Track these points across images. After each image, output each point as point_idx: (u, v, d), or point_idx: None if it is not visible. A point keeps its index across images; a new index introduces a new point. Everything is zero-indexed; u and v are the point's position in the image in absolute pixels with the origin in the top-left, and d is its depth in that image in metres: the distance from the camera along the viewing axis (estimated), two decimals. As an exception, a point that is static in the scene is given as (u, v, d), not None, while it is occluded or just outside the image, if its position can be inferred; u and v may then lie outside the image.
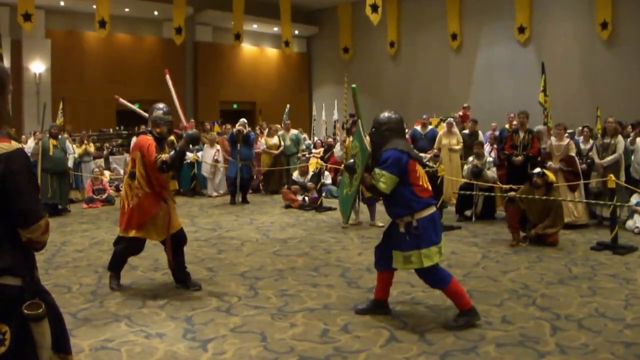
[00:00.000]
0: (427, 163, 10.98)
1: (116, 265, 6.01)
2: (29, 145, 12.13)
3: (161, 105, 5.91)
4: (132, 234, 5.71)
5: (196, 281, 6.00)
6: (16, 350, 2.44)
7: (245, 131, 12.45)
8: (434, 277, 4.72)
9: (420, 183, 4.73)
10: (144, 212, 5.62)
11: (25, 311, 2.46)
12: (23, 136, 15.84)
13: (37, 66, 19.53)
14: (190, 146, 6.10)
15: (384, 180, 4.63)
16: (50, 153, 11.10)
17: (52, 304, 2.65)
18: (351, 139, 9.64)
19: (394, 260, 4.81)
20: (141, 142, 5.66)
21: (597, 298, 5.52)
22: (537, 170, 8.16)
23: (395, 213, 4.77)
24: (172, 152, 5.59)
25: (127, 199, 5.73)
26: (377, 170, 4.69)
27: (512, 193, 7.97)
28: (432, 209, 4.73)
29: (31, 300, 2.49)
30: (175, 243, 5.83)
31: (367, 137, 4.93)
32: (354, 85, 5.06)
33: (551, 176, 8.13)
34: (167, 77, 6.63)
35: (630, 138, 10.30)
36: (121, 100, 7.28)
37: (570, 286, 5.93)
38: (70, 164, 11.98)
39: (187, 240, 6.06)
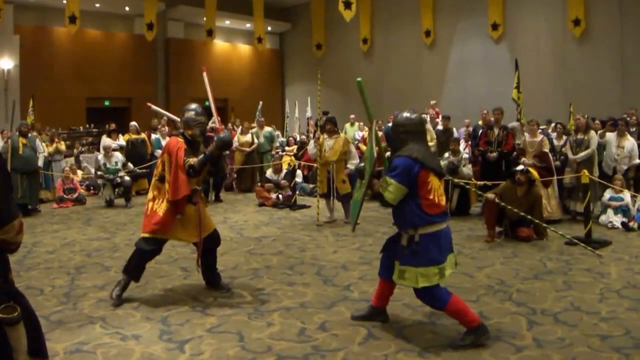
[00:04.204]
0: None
1: (135, 271, 5.55)
2: (-2, 144, 11.90)
3: (194, 105, 5.65)
4: (159, 235, 5.43)
5: (226, 284, 5.85)
6: None
7: (219, 128, 12.33)
8: (431, 297, 4.33)
9: (431, 197, 4.29)
10: (168, 218, 5.37)
11: (0, 315, 2.39)
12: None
13: (6, 62, 19.17)
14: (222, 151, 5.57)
15: (391, 189, 4.26)
16: (20, 152, 10.89)
17: (28, 307, 2.58)
18: (325, 136, 9.65)
19: (395, 273, 4.47)
20: (171, 144, 5.42)
21: (572, 292, 5.58)
22: (520, 167, 8.22)
23: (399, 225, 4.48)
24: (201, 157, 5.29)
25: (154, 201, 5.46)
26: (386, 178, 4.32)
27: (492, 196, 7.95)
28: (440, 226, 4.32)
29: (6, 303, 2.42)
30: (209, 245, 5.65)
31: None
32: (359, 79, 4.62)
33: (534, 173, 8.20)
34: (204, 74, 6.31)
35: (600, 132, 10.41)
36: (153, 107, 7.03)
37: (545, 281, 5.99)
38: (40, 163, 11.77)
39: (220, 242, 5.86)
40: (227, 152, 4.93)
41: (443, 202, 4.41)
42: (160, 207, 5.40)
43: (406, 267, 4.31)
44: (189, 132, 5.51)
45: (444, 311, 4.37)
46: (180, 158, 5.25)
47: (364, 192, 4.61)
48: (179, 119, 5.79)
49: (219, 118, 6.32)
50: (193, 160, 5.24)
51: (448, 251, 4.39)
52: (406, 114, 4.57)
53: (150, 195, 5.58)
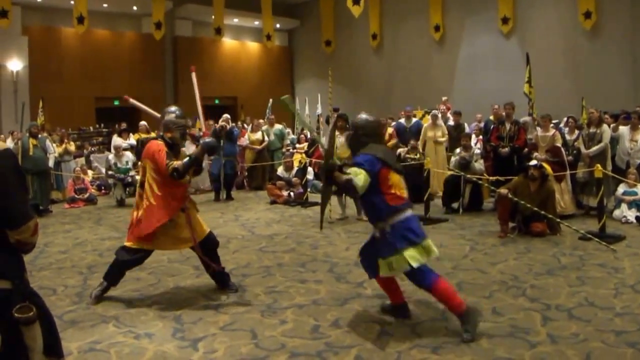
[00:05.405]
0: (408, 156, 10.95)
1: (113, 278, 5.50)
2: (8, 146, 11.95)
3: (174, 108, 5.55)
4: (144, 246, 5.35)
5: (233, 284, 5.78)
6: (7, 355, 2.39)
7: (228, 127, 12.36)
8: (421, 275, 4.42)
9: (393, 191, 4.47)
10: (151, 221, 5.22)
11: (16, 315, 2.40)
12: (1, 135, 15.61)
13: (15, 64, 19.24)
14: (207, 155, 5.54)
15: (361, 177, 4.34)
16: (31, 153, 10.96)
17: (43, 307, 2.59)
18: (337, 133, 9.62)
19: (380, 269, 4.51)
20: (151, 148, 5.27)
21: (586, 288, 5.53)
22: (534, 162, 8.17)
23: (370, 219, 4.69)
24: (186, 160, 5.18)
25: (137, 209, 5.38)
26: (353, 168, 4.45)
27: (505, 191, 7.87)
28: (406, 213, 4.48)
29: (21, 303, 2.43)
30: (206, 250, 5.54)
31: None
32: (283, 97, 4.76)
33: (548, 168, 8.13)
34: (193, 74, 6.23)
35: (613, 126, 10.33)
36: (131, 100, 6.91)
37: (559, 276, 5.94)
38: (50, 163, 11.82)
39: (218, 243, 5.74)
40: (214, 156, 4.83)
41: (405, 194, 4.59)
42: (144, 215, 5.28)
43: (391, 257, 4.39)
44: (169, 135, 5.40)
45: (430, 292, 4.47)
46: (163, 161, 5.13)
47: (326, 189, 4.81)
48: (158, 115, 5.70)
49: (206, 121, 6.21)
50: (177, 164, 5.13)
51: (423, 234, 4.50)
52: (364, 116, 4.80)
53: (135, 203, 5.53)
